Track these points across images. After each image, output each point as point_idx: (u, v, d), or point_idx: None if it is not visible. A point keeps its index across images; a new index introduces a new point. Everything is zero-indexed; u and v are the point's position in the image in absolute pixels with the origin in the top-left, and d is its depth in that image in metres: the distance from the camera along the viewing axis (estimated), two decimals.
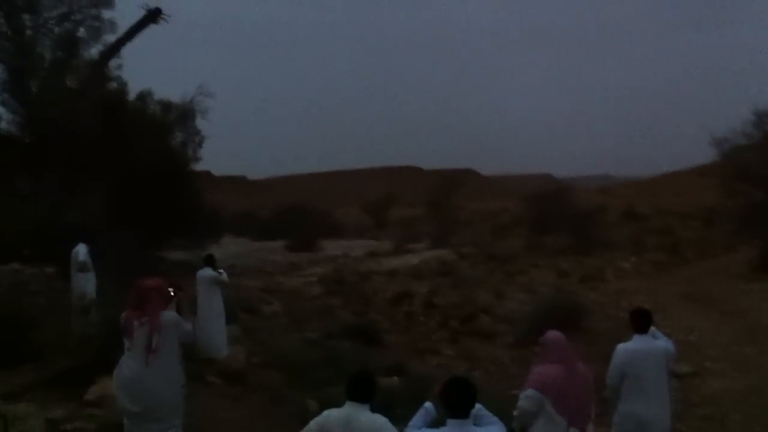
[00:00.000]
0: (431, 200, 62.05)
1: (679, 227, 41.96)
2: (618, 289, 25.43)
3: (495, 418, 5.07)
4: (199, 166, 27.64)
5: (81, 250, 12.78)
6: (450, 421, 4.80)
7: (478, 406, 5.04)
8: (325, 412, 5.32)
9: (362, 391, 5.24)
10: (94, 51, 23.08)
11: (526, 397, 5.84)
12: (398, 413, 5.37)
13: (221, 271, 12.50)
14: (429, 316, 20.84)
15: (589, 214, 41.40)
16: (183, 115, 25.09)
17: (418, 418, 5.09)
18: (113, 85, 24.18)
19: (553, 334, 6.26)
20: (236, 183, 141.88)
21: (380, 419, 5.13)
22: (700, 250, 33.77)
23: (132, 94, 24.84)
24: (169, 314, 6.97)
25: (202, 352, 11.53)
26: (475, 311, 20.22)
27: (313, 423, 5.29)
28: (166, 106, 25.29)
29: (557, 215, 40.42)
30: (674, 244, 35.08)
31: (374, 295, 24.26)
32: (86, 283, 12.63)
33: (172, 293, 7.18)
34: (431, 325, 19.76)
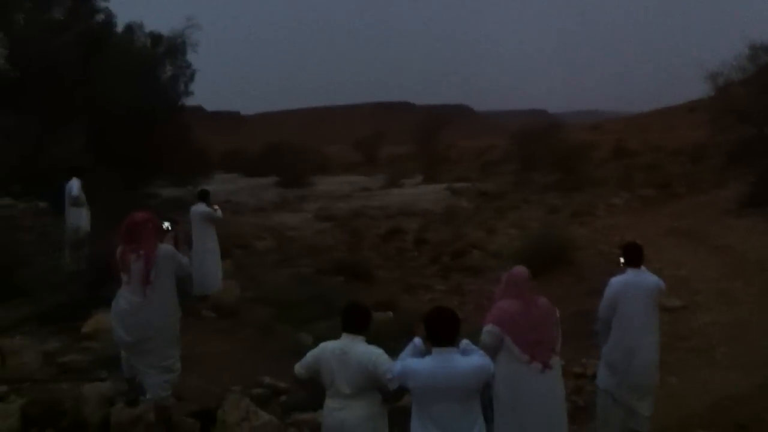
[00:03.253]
0: (422, 137, 61.78)
1: (669, 163, 41.91)
2: (608, 225, 25.51)
3: (481, 352, 5.11)
4: (191, 101, 27.40)
5: (74, 185, 12.72)
6: (435, 350, 4.89)
7: (465, 341, 5.12)
8: (322, 344, 5.40)
9: (357, 323, 5.31)
10: None
11: (486, 332, 5.83)
12: (390, 347, 5.42)
13: (215, 207, 12.43)
14: (420, 251, 20.95)
15: (579, 150, 41.34)
16: (173, 48, 24.70)
17: (406, 352, 5.15)
18: (100, 17, 23.76)
19: (515, 270, 6.23)
20: (229, 118, 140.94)
21: (376, 350, 5.21)
22: (689, 186, 33.75)
23: (120, 27, 24.46)
24: (165, 247, 6.96)
25: (196, 287, 11.58)
26: (466, 247, 20.33)
27: (309, 355, 5.38)
28: (156, 38, 24.91)
29: (547, 151, 40.37)
30: (664, 180, 35.07)
31: (366, 231, 24.34)
32: (80, 217, 12.61)
33: (168, 227, 7.16)
34: (422, 261, 19.87)
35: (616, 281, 7.24)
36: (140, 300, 6.74)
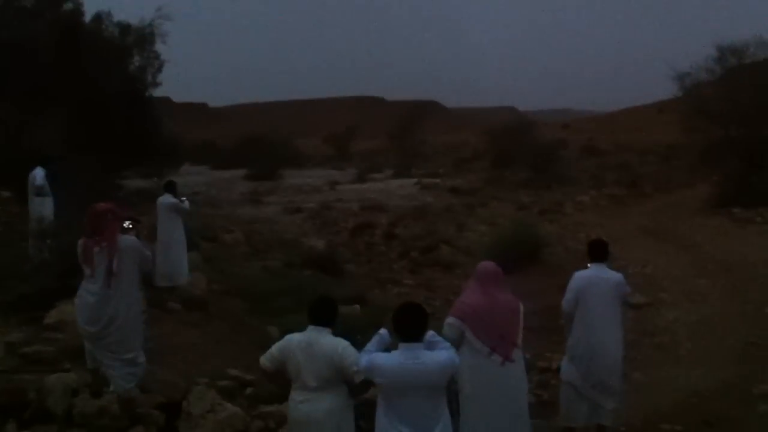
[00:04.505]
0: (394, 132, 61.81)
1: (638, 163, 42.33)
2: (576, 222, 25.74)
3: (447, 344, 5.15)
4: (159, 92, 27.16)
5: (38, 174, 12.56)
6: (402, 345, 4.90)
7: (431, 332, 5.12)
8: (287, 336, 5.37)
9: (323, 315, 5.30)
10: None
11: (447, 325, 5.89)
12: (359, 340, 5.42)
13: (183, 198, 12.33)
14: (390, 246, 20.96)
15: (550, 148, 41.60)
16: (141, 38, 24.47)
17: (372, 344, 5.15)
18: (69, 5, 23.44)
19: (482, 265, 6.29)
20: (197, 110, 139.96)
21: (342, 342, 5.20)
22: (658, 186, 34.13)
23: (88, 16, 24.16)
24: (128, 239, 6.92)
25: (163, 279, 11.48)
26: (436, 242, 20.37)
27: (274, 347, 5.35)
28: (124, 28, 24.65)
29: (518, 149, 40.58)
30: (633, 179, 35.43)
31: (335, 225, 24.29)
32: (43, 207, 12.43)
33: (129, 226, 7.10)
34: (392, 256, 19.88)
35: (579, 275, 7.30)
36: (104, 291, 6.70)
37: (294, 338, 5.30)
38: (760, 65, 26.65)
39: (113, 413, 6.75)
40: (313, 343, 5.18)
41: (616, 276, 7.37)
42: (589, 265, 7.36)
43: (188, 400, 6.96)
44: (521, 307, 6.11)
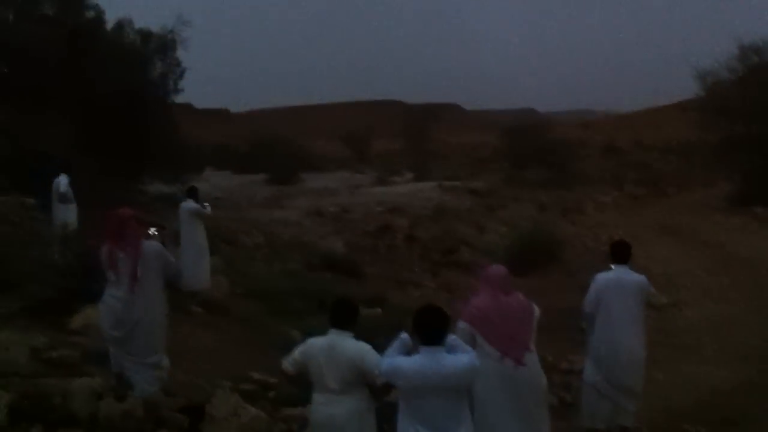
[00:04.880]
0: (412, 134, 61.68)
1: (658, 162, 42.13)
2: (597, 222, 25.67)
3: (468, 348, 5.09)
4: (181, 99, 27.33)
5: (62, 181, 12.67)
6: (423, 349, 4.85)
7: (452, 336, 5.06)
8: (309, 340, 5.39)
9: (345, 318, 5.31)
10: None
11: (459, 330, 5.77)
12: (379, 343, 5.43)
13: (205, 204, 12.43)
14: (410, 248, 20.96)
15: (570, 148, 41.43)
16: (162, 45, 24.64)
17: (394, 348, 5.07)
18: (90, 13, 23.67)
19: (491, 268, 6.22)
20: (218, 116, 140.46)
21: (364, 345, 5.22)
22: (679, 185, 33.99)
23: (110, 24, 24.37)
24: (152, 243, 7.02)
25: (185, 284, 11.56)
26: (456, 244, 20.36)
27: (296, 351, 5.37)
28: (145, 35, 24.82)
29: (537, 149, 40.40)
30: (654, 179, 35.27)
31: (356, 228, 24.33)
32: (67, 213, 12.55)
33: (155, 233, 7.19)
34: (412, 258, 19.88)
35: (600, 277, 7.29)
36: (128, 296, 6.78)
37: (316, 342, 5.32)
38: None
39: (138, 417, 6.80)
40: (335, 346, 5.19)
41: (639, 278, 7.35)
42: (612, 266, 7.34)
43: (212, 404, 7.00)
44: (535, 310, 6.01)
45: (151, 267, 6.92)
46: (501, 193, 33.69)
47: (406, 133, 62.33)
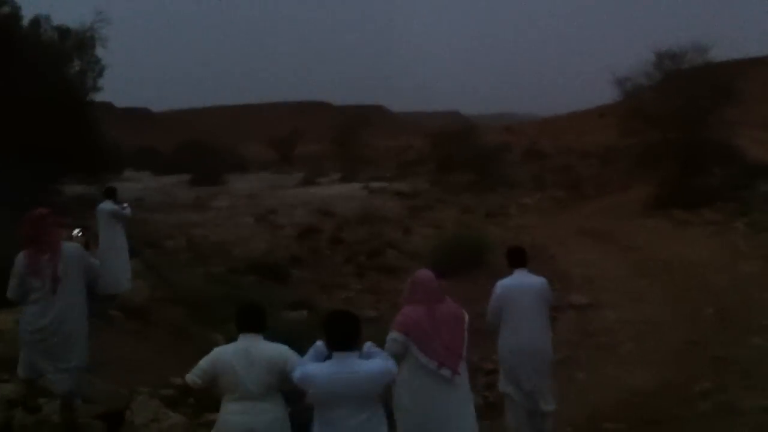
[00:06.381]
0: (338, 137, 61.59)
1: (579, 165, 42.94)
2: (520, 225, 26.03)
3: (384, 354, 5.03)
4: (100, 97, 26.77)
5: None
6: (335, 354, 4.80)
7: (368, 343, 5.03)
8: (217, 349, 5.25)
9: (254, 322, 5.24)
10: None
11: (391, 340, 5.68)
12: (304, 347, 5.35)
13: (124, 205, 12.15)
14: (336, 251, 20.91)
15: (493, 152, 41.97)
16: (81, 42, 24.08)
17: (307, 357, 4.99)
18: (5, 9, 22.93)
19: (420, 273, 6.09)
20: (139, 115, 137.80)
21: (282, 345, 5.18)
22: (598, 188, 34.69)
23: (26, 20, 23.69)
24: (72, 245, 6.85)
25: (104, 287, 11.25)
26: (382, 246, 20.39)
27: (203, 362, 5.17)
28: (63, 32, 24.23)
29: (462, 153, 40.79)
30: (574, 182, 35.94)
31: (281, 230, 24.15)
32: None
33: (78, 233, 7.01)
34: (338, 260, 19.83)
35: (501, 284, 7.31)
36: (49, 298, 6.58)
37: (227, 349, 5.20)
38: (697, 70, 27.29)
39: (53, 424, 6.61)
40: (251, 350, 5.08)
41: (539, 280, 7.40)
42: (512, 271, 7.37)
43: (131, 410, 6.86)
44: (465, 316, 5.96)
45: (72, 269, 6.73)
46: (427, 196, 33.90)
47: (336, 136, 62.17)
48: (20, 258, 6.63)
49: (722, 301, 13.46)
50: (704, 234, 20.55)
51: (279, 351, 5.13)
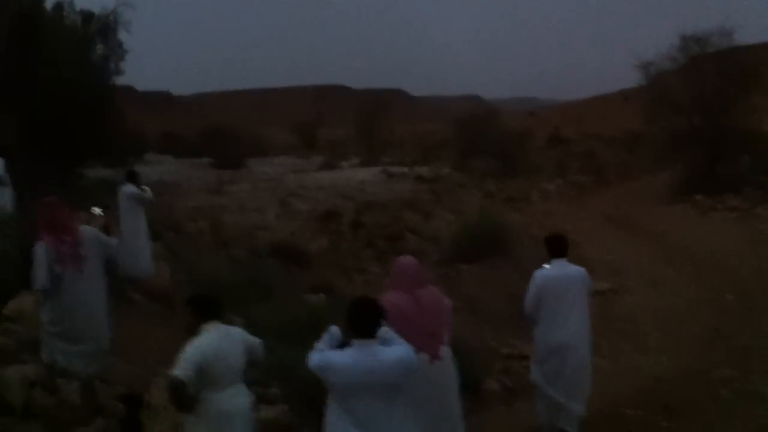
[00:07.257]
0: (361, 121, 61.52)
1: (603, 151, 42.68)
2: (542, 211, 25.91)
3: (402, 340, 4.95)
4: (122, 81, 26.87)
5: None
6: (356, 342, 4.75)
7: (384, 329, 4.93)
8: (196, 342, 5.22)
9: (215, 310, 5.47)
10: None
11: None
12: (324, 330, 5.32)
13: (145, 187, 12.13)
14: (356, 235, 20.87)
15: (516, 137, 41.77)
16: (105, 26, 24.14)
17: (322, 343, 4.94)
18: None
19: (402, 260, 6.11)
20: (160, 99, 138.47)
21: (236, 327, 5.63)
22: (622, 174, 34.48)
23: (49, 4, 23.78)
24: (89, 228, 6.89)
25: (125, 271, 11.29)
26: (402, 230, 20.32)
27: (191, 355, 5.11)
28: (87, 17, 24.30)
29: (484, 138, 40.62)
30: (598, 168, 35.73)
31: (302, 213, 24.17)
32: (3, 198, 12.17)
33: (100, 213, 7.05)
34: (358, 244, 19.80)
35: (539, 274, 7.10)
36: (75, 278, 6.64)
37: (208, 338, 5.23)
38: (722, 54, 26.91)
39: (73, 404, 6.67)
40: (229, 334, 5.33)
41: (579, 271, 7.18)
42: (547, 264, 7.16)
43: (150, 392, 6.89)
44: (449, 303, 5.98)
45: (92, 251, 6.80)
46: (448, 181, 33.78)
47: (356, 120, 62.08)
48: (41, 246, 6.64)
49: (745, 289, 13.33)
50: (729, 221, 20.35)
51: (243, 333, 5.47)
